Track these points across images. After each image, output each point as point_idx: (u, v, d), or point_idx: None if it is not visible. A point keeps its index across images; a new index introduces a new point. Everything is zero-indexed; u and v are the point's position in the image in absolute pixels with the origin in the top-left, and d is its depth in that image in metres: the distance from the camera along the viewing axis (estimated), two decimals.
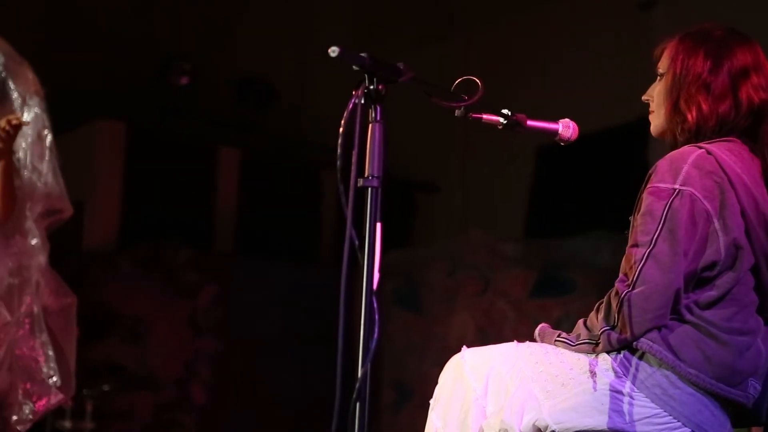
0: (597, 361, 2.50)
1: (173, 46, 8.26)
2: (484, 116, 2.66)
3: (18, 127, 3.55)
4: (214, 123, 8.74)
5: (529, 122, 2.72)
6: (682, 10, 6.54)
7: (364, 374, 1.96)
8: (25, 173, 3.78)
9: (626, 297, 2.45)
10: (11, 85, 3.82)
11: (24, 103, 3.82)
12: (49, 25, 7.60)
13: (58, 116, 3.84)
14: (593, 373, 2.48)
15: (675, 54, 2.68)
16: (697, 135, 2.61)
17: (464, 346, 2.69)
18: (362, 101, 2.07)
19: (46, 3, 7.66)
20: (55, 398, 3.77)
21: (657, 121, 2.73)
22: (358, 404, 1.96)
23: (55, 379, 3.72)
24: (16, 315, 3.70)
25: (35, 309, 3.75)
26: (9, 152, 3.62)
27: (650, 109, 2.76)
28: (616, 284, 2.51)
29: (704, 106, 2.60)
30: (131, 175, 8.28)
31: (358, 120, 2.05)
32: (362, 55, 2.08)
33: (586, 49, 7.58)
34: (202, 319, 7.76)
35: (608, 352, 2.50)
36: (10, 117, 3.54)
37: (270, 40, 8.69)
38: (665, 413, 2.44)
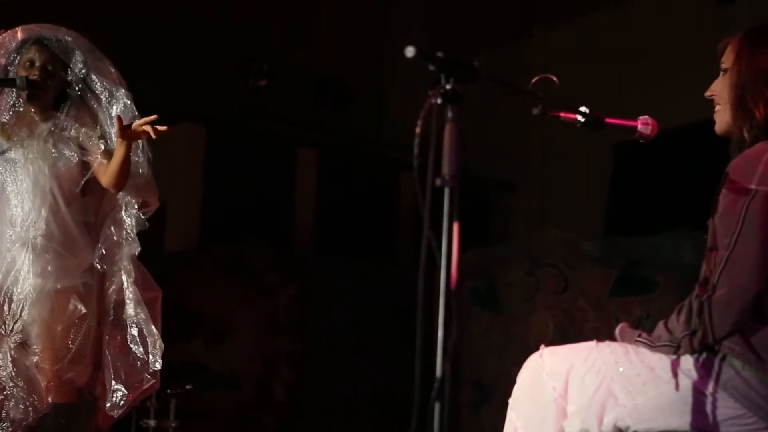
0: (679, 362, 2.47)
1: (252, 49, 8.34)
2: (562, 114, 2.65)
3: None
4: (292, 124, 8.80)
5: (608, 120, 2.70)
6: (762, 4, 6.43)
7: (444, 373, 1.96)
8: None
9: (707, 301, 2.42)
10: (95, 79, 3.89)
11: (111, 96, 3.88)
12: (130, 29, 7.72)
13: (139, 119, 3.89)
14: (675, 374, 2.45)
15: (740, 50, 2.63)
16: (766, 131, 2.56)
17: (543, 346, 2.68)
18: (438, 101, 2.07)
19: (128, 6, 7.78)
20: (148, 383, 3.82)
21: (722, 117, 2.69)
22: (437, 403, 1.96)
23: (150, 363, 3.77)
24: (100, 308, 3.77)
25: (128, 297, 3.81)
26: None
27: (715, 105, 2.71)
28: (696, 288, 2.48)
29: None
30: (211, 176, 8.37)
31: (434, 120, 2.05)
32: (438, 54, 2.08)
33: (665, 45, 7.49)
34: (282, 319, 7.82)
35: (690, 354, 2.47)
36: (160, 128, 3.58)
37: (347, 41, 8.73)
38: (751, 414, 2.40)
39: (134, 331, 3.80)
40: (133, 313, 3.79)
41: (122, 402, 3.76)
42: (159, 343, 3.78)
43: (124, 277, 3.83)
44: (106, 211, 3.91)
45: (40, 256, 3.66)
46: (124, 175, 3.71)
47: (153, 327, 3.79)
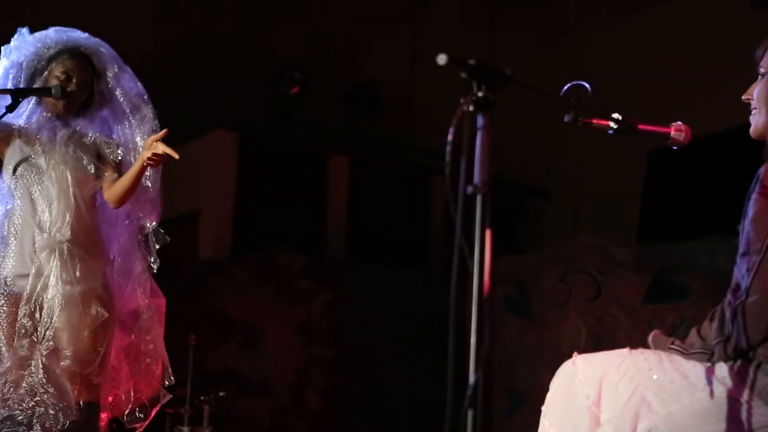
0: (713, 369, 2.45)
1: (284, 57, 8.37)
2: (595, 121, 2.64)
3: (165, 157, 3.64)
4: (324, 131, 8.83)
5: (641, 126, 2.69)
6: None
7: (476, 380, 1.96)
8: None
9: (740, 307, 2.40)
10: (119, 89, 3.92)
11: (134, 107, 3.91)
12: (163, 38, 7.77)
13: (173, 128, 3.91)
14: (709, 381, 2.43)
15: None
16: None
17: (576, 353, 2.67)
18: (470, 108, 2.06)
19: (161, 16, 7.84)
20: (165, 399, 3.86)
21: (758, 121, 2.67)
22: (470, 410, 1.96)
23: (165, 381, 3.81)
24: (117, 313, 3.80)
25: (143, 309, 3.85)
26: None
27: (751, 109, 2.69)
28: (729, 294, 2.46)
29: None
30: (244, 183, 8.41)
31: (466, 127, 2.05)
32: (470, 62, 2.08)
33: (698, 50, 7.44)
34: (315, 325, 7.84)
35: (725, 361, 2.45)
36: (173, 154, 3.60)
37: (378, 49, 8.74)
38: None
39: (146, 342, 3.83)
40: (146, 326, 3.83)
41: (141, 417, 3.79)
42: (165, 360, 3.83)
43: (138, 291, 3.86)
44: (115, 218, 3.94)
45: (67, 262, 3.69)
46: (131, 193, 3.76)
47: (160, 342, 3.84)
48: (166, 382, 3.85)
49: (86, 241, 3.77)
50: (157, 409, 3.91)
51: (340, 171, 8.96)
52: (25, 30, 3.87)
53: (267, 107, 8.49)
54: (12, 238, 3.76)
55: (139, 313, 3.86)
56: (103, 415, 3.78)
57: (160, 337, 3.93)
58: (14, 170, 3.79)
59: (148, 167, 3.71)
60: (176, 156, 3.60)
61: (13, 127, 3.85)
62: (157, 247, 3.93)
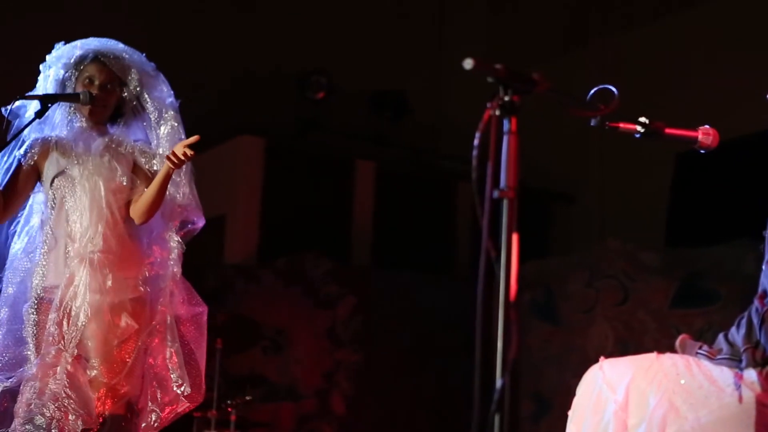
0: (742, 374, 2.44)
1: (310, 62, 8.39)
2: (621, 125, 2.64)
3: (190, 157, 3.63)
4: (350, 136, 8.83)
5: (668, 130, 2.68)
6: None
7: (503, 386, 1.95)
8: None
9: (767, 314, 2.39)
10: (147, 98, 3.92)
11: (160, 116, 3.91)
12: (190, 43, 7.80)
13: (199, 132, 3.90)
14: (738, 387, 2.42)
15: None
16: None
17: (602, 357, 2.66)
18: (497, 113, 2.06)
19: (187, 20, 7.87)
20: (182, 407, 3.84)
21: None
22: (497, 416, 1.95)
23: (183, 387, 3.79)
24: (149, 324, 3.79)
25: (168, 319, 3.84)
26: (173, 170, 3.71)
27: None
28: (755, 301, 2.44)
29: None
30: (270, 188, 8.42)
31: (493, 131, 2.05)
32: (496, 66, 2.08)
33: (725, 54, 7.41)
34: (341, 330, 7.84)
35: (753, 367, 2.44)
36: (188, 152, 3.59)
37: (404, 53, 8.74)
38: None
39: (175, 353, 3.82)
40: (170, 337, 3.82)
41: (156, 424, 3.79)
42: (181, 371, 3.80)
43: (167, 298, 3.85)
44: (155, 231, 3.94)
45: (97, 272, 3.69)
46: (157, 206, 3.74)
47: (178, 353, 3.82)
48: (183, 389, 3.83)
49: (120, 251, 3.76)
50: (173, 417, 3.88)
51: (365, 176, 8.96)
52: (61, 44, 3.90)
53: (293, 112, 8.50)
54: (45, 249, 3.78)
55: (165, 321, 3.85)
56: (143, 425, 3.78)
57: (201, 347, 3.92)
58: (51, 183, 3.81)
59: (173, 172, 3.70)
60: (191, 153, 3.59)
61: (50, 140, 3.86)
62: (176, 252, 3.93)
